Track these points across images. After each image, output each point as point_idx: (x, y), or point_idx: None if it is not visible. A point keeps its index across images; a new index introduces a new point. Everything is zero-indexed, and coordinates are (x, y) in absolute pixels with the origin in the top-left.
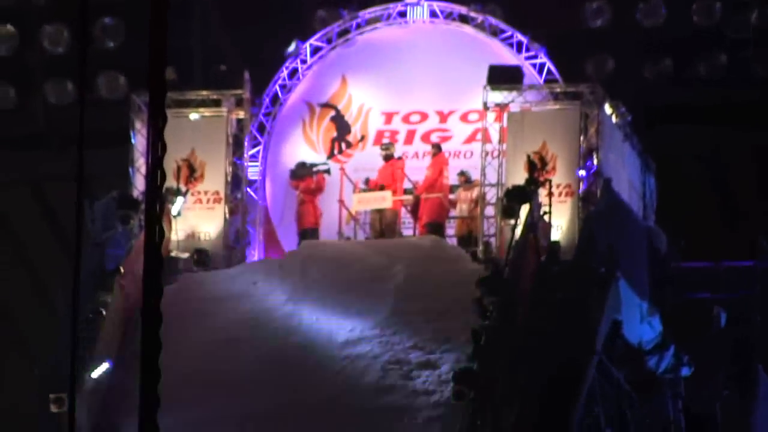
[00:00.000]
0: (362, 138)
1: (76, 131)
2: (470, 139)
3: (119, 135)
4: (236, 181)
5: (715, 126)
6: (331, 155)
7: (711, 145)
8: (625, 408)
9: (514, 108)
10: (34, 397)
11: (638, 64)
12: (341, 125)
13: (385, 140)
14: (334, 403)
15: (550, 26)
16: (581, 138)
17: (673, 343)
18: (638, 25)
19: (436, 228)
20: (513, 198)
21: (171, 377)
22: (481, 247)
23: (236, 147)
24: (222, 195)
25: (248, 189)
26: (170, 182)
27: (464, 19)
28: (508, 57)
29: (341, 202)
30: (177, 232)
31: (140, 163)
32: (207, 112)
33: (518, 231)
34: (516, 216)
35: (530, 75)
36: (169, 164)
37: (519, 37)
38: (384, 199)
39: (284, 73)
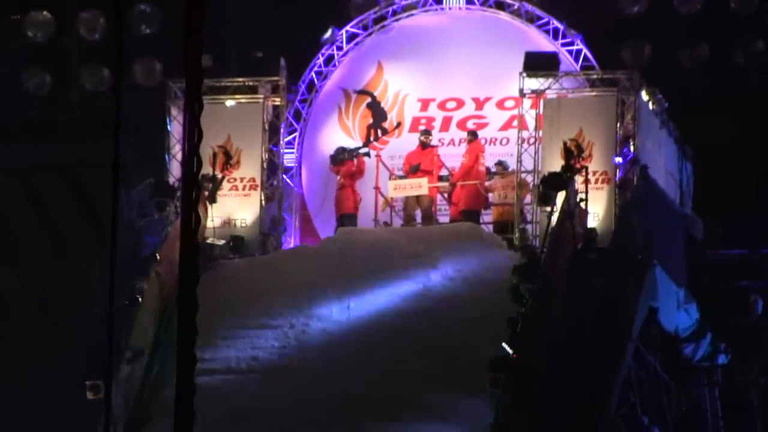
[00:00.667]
0: (398, 125)
1: (112, 118)
2: (506, 126)
3: (155, 122)
4: (272, 168)
5: (752, 112)
6: (367, 142)
7: (748, 132)
8: (661, 396)
9: (551, 95)
10: (71, 384)
11: (675, 51)
12: (377, 112)
13: (422, 127)
14: (374, 396)
15: (587, 13)
16: (618, 125)
17: (710, 331)
18: (675, 11)
19: (472, 215)
20: (549, 185)
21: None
22: (517, 234)
23: (272, 134)
24: (258, 182)
25: (284, 176)
26: (206, 169)
27: (500, 5)
28: (544, 44)
29: (377, 188)
30: (213, 218)
31: (176, 149)
32: (243, 98)
33: (554, 218)
34: (552, 203)
35: (566, 62)
36: (205, 151)
37: (555, 23)
38: (420, 186)
39: (320, 59)
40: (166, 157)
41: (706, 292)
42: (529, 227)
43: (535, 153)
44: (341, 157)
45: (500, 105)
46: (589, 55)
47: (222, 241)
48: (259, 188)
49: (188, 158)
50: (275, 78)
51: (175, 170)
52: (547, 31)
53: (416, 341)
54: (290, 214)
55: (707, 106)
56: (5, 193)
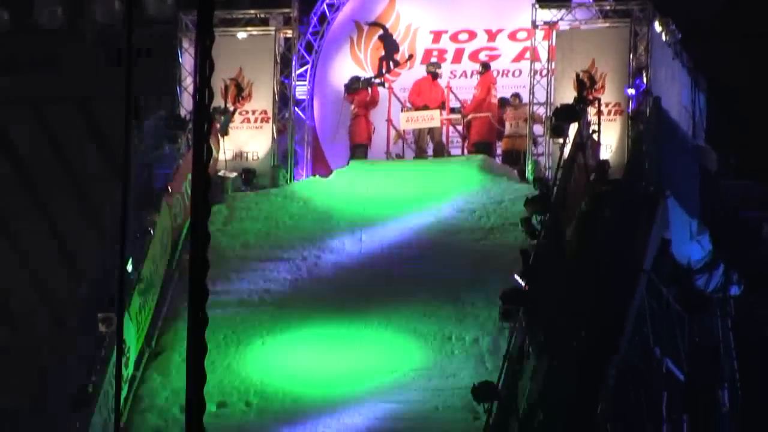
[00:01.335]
0: (410, 57)
1: (123, 50)
2: (519, 57)
3: (167, 54)
4: (284, 101)
5: (765, 41)
6: (378, 74)
7: (763, 62)
8: (674, 327)
9: (563, 26)
10: (83, 315)
11: None
12: (389, 44)
13: (434, 59)
14: (383, 321)
15: None
16: (630, 56)
17: (723, 262)
18: None
19: (484, 147)
20: (562, 117)
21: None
22: (529, 167)
23: (284, 66)
24: (270, 114)
25: (296, 108)
26: (218, 101)
27: None
28: None
29: (389, 120)
30: (225, 151)
31: (188, 82)
32: (255, 30)
33: (567, 150)
34: (565, 135)
35: None
36: (217, 83)
37: None
38: (432, 118)
39: None
40: (178, 89)
41: (719, 223)
42: (541, 159)
43: (547, 85)
44: (355, 86)
45: (512, 36)
46: None
47: (234, 174)
48: (270, 121)
49: (200, 90)
50: (287, 10)
51: (186, 103)
52: None
53: (427, 273)
54: (302, 146)
55: (720, 36)
56: (18, 123)
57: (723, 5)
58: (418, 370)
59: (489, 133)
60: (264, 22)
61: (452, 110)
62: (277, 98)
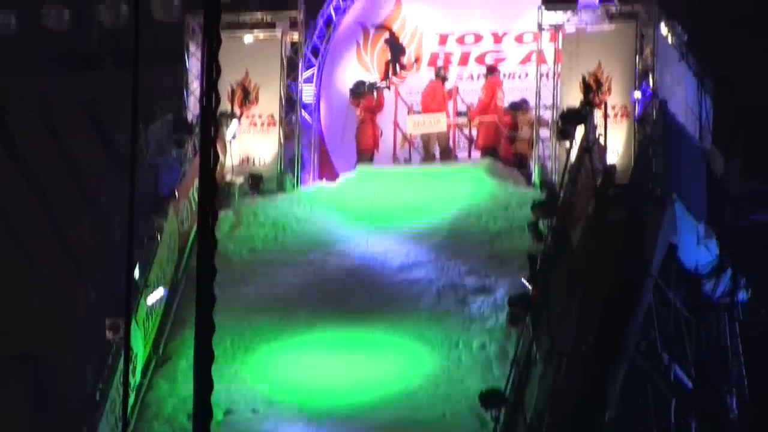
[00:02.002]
0: (416, 60)
1: (130, 53)
2: (525, 60)
3: (173, 58)
4: (290, 105)
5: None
6: (385, 78)
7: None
8: (681, 332)
9: (569, 29)
10: (90, 321)
11: None
12: (395, 47)
13: (440, 62)
14: (389, 327)
15: None
16: (637, 59)
17: (730, 267)
18: None
19: (491, 151)
20: (568, 120)
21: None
22: (536, 171)
23: (290, 70)
24: (276, 118)
25: (302, 112)
26: (224, 105)
27: None
28: None
29: (396, 124)
30: (231, 156)
31: (194, 86)
32: (261, 34)
33: (573, 154)
34: (571, 138)
35: None
36: (224, 87)
37: None
38: (439, 122)
39: None
40: (185, 93)
41: (726, 227)
42: (547, 162)
43: (553, 88)
44: (360, 90)
45: (519, 39)
46: None
47: (241, 179)
48: (277, 125)
49: (206, 94)
50: (293, 13)
51: (192, 106)
52: None
53: (434, 278)
54: (309, 150)
55: (726, 38)
56: (26, 126)
57: (728, 6)
58: (425, 376)
59: (495, 137)
60: (270, 26)
61: (459, 114)
62: (283, 102)
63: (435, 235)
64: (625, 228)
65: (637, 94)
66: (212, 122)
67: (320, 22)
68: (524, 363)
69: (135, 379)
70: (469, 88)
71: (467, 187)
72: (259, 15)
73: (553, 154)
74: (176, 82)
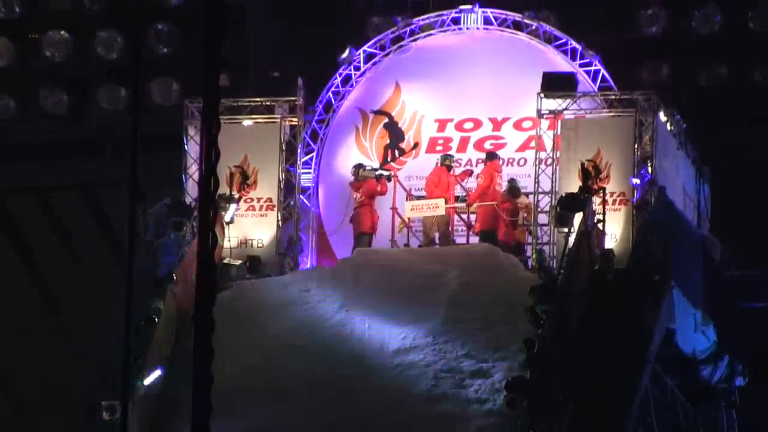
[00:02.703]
0: (415, 145)
1: (129, 137)
2: (524, 146)
3: (172, 141)
4: (289, 188)
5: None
6: (384, 162)
7: (766, 152)
8: (678, 418)
9: (568, 115)
10: (86, 403)
11: (693, 72)
12: (394, 132)
13: (439, 148)
14: (386, 411)
15: (605, 33)
16: (636, 146)
17: (728, 353)
18: (694, 31)
19: (489, 235)
20: (566, 206)
21: (223, 384)
22: (533, 256)
23: (289, 154)
24: (275, 202)
25: (301, 196)
26: (223, 189)
27: (518, 26)
28: (562, 64)
29: (394, 209)
30: (230, 239)
31: (193, 169)
32: (260, 118)
33: (572, 239)
34: (569, 224)
35: (584, 82)
36: (222, 171)
37: (573, 44)
38: (437, 207)
39: (338, 80)
40: (183, 176)
41: (723, 314)
42: (545, 248)
43: (552, 174)
44: (363, 175)
45: (518, 126)
46: (607, 76)
47: (239, 262)
48: (276, 208)
49: (205, 178)
50: (292, 98)
51: (191, 190)
52: (564, 52)
53: (434, 360)
54: (307, 234)
55: (724, 126)
56: (24, 211)
57: (725, 95)
58: None
59: (493, 221)
60: (269, 110)
61: (457, 199)
62: (282, 186)
63: (432, 318)
64: (623, 313)
65: (636, 181)
66: (211, 205)
67: (319, 107)
68: None
69: None
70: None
71: (465, 271)
72: (258, 99)
73: (551, 240)
74: (175, 165)
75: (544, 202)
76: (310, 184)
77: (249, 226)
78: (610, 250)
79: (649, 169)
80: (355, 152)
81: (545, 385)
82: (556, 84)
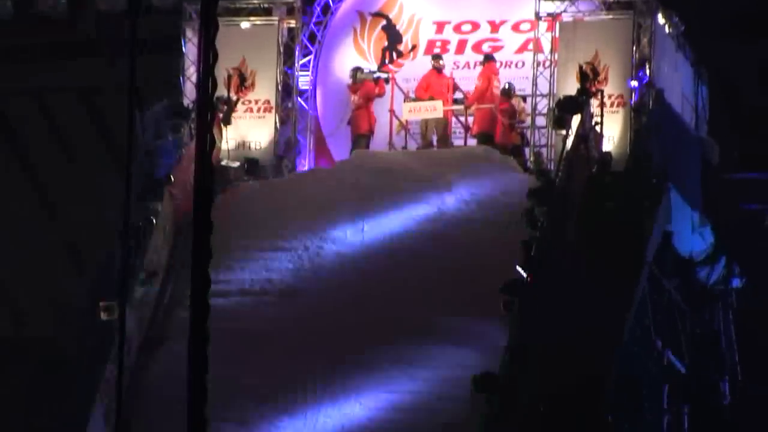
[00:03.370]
0: (413, 47)
1: (127, 40)
2: (522, 49)
3: (170, 43)
4: (287, 91)
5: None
6: (381, 64)
7: (763, 54)
8: (675, 319)
9: (567, 18)
10: (84, 303)
11: None
12: (392, 34)
13: (437, 50)
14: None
15: None
16: (633, 48)
17: (725, 255)
18: None
19: (486, 138)
20: (564, 108)
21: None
22: (531, 158)
23: (287, 56)
24: (273, 104)
25: (298, 98)
26: (221, 91)
27: None
28: None
29: (392, 111)
30: (227, 140)
31: (191, 71)
32: (258, 20)
33: (569, 142)
34: (567, 127)
35: None
36: (220, 73)
37: None
38: (435, 109)
39: None
40: (181, 79)
41: (720, 215)
42: (543, 150)
43: (550, 76)
44: (362, 76)
45: (516, 28)
46: None
47: (236, 163)
48: (273, 110)
49: (203, 80)
50: (290, 0)
51: (189, 92)
52: None
53: (429, 264)
54: (305, 136)
55: (723, 28)
56: (21, 113)
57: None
58: (419, 359)
59: (491, 124)
60: (267, 12)
61: (455, 101)
62: (280, 88)
63: (431, 220)
64: (621, 216)
65: (634, 83)
66: (209, 107)
67: (317, 9)
68: (518, 349)
69: (130, 360)
70: (466, 76)
71: (463, 174)
72: (256, 1)
73: (549, 142)
74: (173, 67)
75: (542, 104)
76: (307, 87)
77: (247, 128)
78: (608, 153)
79: (647, 72)
80: (353, 54)
81: (542, 285)
82: None
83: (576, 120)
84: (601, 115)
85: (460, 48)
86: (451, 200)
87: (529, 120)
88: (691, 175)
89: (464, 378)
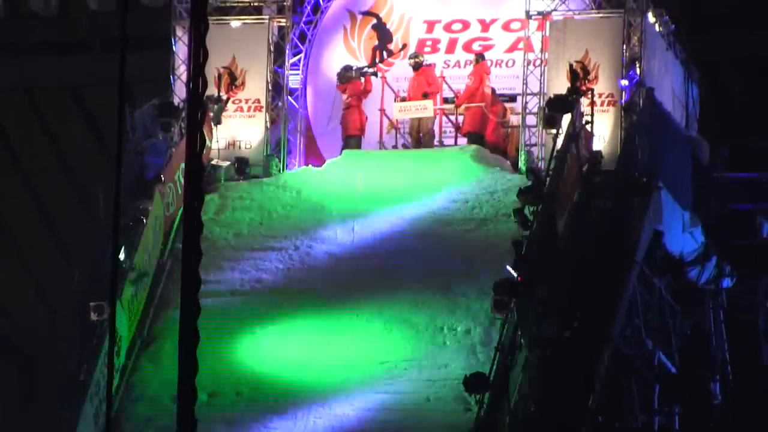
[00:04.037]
0: (404, 47)
1: (117, 37)
2: (512, 48)
3: (160, 42)
4: (277, 90)
5: (759, 32)
6: (372, 64)
7: (756, 53)
8: (665, 319)
9: (557, 16)
10: (75, 303)
11: None
12: (382, 34)
13: (427, 49)
14: (375, 312)
15: None
16: (624, 47)
17: (715, 254)
18: None
19: (477, 137)
20: (555, 107)
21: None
22: (522, 157)
23: (277, 55)
24: (263, 103)
25: (289, 98)
26: (211, 90)
27: None
28: None
29: (382, 110)
30: (218, 140)
31: (181, 70)
32: (248, 19)
33: (560, 141)
34: (558, 126)
35: None
36: (210, 72)
37: None
38: (425, 108)
39: None
40: (171, 77)
41: (711, 215)
42: (534, 149)
43: (540, 75)
44: (348, 75)
45: (506, 27)
46: None
47: (226, 163)
48: (264, 110)
49: (193, 78)
50: None
51: (179, 91)
52: None
53: (419, 264)
54: (295, 135)
55: (713, 27)
56: (12, 110)
57: None
58: (409, 360)
59: (481, 123)
60: (258, 11)
61: (445, 100)
62: (270, 87)
63: (421, 219)
64: (611, 215)
65: (624, 82)
66: (199, 106)
67: (307, 8)
68: (509, 348)
69: (119, 360)
70: (456, 75)
71: (453, 173)
72: (246, 0)
73: (539, 141)
74: (163, 66)
75: (533, 103)
76: (298, 86)
77: (237, 128)
78: (598, 152)
79: (638, 71)
80: (343, 53)
81: (533, 285)
82: None
83: (566, 119)
84: (592, 114)
85: (451, 47)
86: (442, 200)
87: (513, 120)
88: (681, 174)
89: (455, 378)
